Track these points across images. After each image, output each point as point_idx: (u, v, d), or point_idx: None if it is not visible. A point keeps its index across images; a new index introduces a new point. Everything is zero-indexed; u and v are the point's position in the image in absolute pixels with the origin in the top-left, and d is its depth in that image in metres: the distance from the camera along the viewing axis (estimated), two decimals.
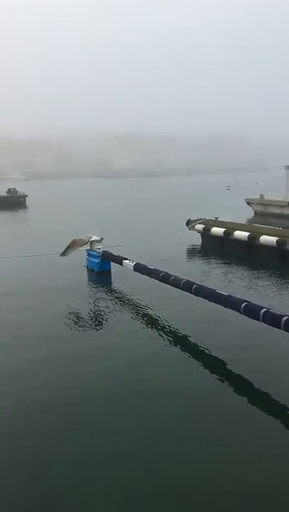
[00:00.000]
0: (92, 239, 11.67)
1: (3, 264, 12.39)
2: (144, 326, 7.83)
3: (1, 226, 25.72)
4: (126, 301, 9.24)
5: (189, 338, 7.07)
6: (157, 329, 7.60)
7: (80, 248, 11.62)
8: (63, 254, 11.30)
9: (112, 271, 11.40)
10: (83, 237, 11.72)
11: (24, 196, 39.53)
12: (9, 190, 40.21)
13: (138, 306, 8.83)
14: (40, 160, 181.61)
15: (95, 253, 11.68)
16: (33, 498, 3.76)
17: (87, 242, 11.65)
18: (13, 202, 37.43)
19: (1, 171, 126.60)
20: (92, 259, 11.84)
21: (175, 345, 6.91)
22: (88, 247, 11.82)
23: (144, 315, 8.33)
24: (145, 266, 9.84)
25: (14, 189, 40.50)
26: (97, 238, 11.74)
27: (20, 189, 41.59)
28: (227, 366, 6.05)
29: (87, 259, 12.10)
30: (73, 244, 11.36)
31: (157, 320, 8.02)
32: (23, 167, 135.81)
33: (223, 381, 5.72)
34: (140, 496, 3.75)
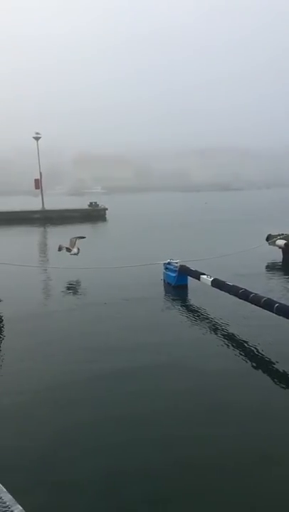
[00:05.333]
0: (72, 252, 14.05)
1: (86, 275, 12.95)
2: (221, 344, 7.65)
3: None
4: (202, 317, 9.14)
5: (273, 364, 6.72)
6: (235, 349, 7.37)
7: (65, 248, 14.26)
8: (60, 247, 14.32)
9: (189, 285, 11.38)
10: (65, 245, 14.45)
11: (104, 209, 41.12)
12: (91, 203, 42.16)
13: (215, 323, 8.68)
14: (120, 174, 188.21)
15: (172, 267, 11.77)
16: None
17: (69, 251, 14.13)
18: (95, 215, 39.14)
19: (83, 185, 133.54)
20: (169, 273, 11.93)
21: (255, 369, 6.63)
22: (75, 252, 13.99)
23: (222, 333, 8.15)
24: (224, 282, 9.67)
25: (95, 202, 42.37)
26: (75, 251, 14.01)
27: (101, 202, 43.37)
28: None
29: (164, 272, 12.22)
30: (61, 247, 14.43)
31: (235, 339, 7.80)
32: (104, 181, 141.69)
33: None
34: None
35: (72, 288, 12.28)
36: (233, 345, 7.49)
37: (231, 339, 7.78)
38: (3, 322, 9.10)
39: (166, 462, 4.39)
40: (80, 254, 13.95)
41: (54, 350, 7.43)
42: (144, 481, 4.12)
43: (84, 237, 14.70)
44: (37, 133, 38.78)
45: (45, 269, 14.81)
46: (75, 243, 14.18)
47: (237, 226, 26.98)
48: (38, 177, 39.17)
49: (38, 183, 39.37)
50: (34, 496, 3.74)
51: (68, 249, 14.27)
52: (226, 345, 7.52)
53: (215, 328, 8.40)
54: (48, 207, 39.54)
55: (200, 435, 4.83)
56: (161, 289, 11.75)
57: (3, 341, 7.98)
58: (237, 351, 7.24)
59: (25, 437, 4.84)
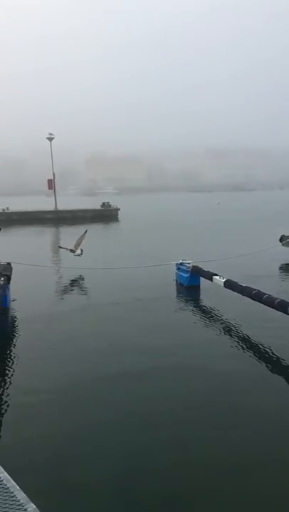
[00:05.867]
0: (75, 253, 14.32)
1: (98, 275, 13.00)
2: (234, 345, 7.59)
3: (96, 238, 27.07)
4: (215, 318, 9.09)
5: (287, 367, 6.66)
6: (249, 351, 7.31)
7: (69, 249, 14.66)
8: (60, 247, 15.05)
9: (201, 286, 11.34)
10: (68, 247, 14.92)
11: (117, 210, 41.24)
12: (103, 203, 42.33)
13: (228, 325, 8.63)
14: (131, 175, 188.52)
15: (184, 268, 11.74)
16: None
17: (73, 252, 14.38)
18: (107, 215, 39.28)
19: (96, 185, 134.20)
20: (181, 273, 11.90)
21: (269, 371, 6.55)
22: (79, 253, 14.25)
23: (235, 334, 8.09)
24: (236, 283, 9.61)
25: (108, 203, 42.53)
26: (78, 252, 14.22)
27: (113, 203, 43.49)
28: None
29: (176, 273, 12.20)
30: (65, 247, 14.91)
31: (248, 341, 7.73)
32: (116, 182, 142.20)
33: None
34: None
35: (85, 288, 12.34)
36: (246, 347, 7.43)
37: (244, 341, 7.72)
38: (17, 321, 9.19)
39: (178, 463, 4.38)
40: (83, 255, 14.07)
41: (66, 350, 7.47)
42: (155, 481, 4.12)
43: (86, 231, 14.87)
44: (50, 133, 39.05)
45: (58, 269, 14.91)
46: (80, 244, 14.34)
47: (250, 227, 26.80)
48: (51, 177, 39.45)
49: (51, 184, 39.65)
50: (47, 494, 3.76)
51: (72, 251, 14.39)
52: (239, 347, 7.47)
53: (228, 330, 8.35)
54: (60, 207, 39.82)
55: (212, 437, 4.80)
56: (174, 289, 11.72)
57: (16, 341, 8.05)
58: (250, 353, 7.18)
59: (38, 436, 4.87)
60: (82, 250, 14.23)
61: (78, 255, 14.14)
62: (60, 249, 14.78)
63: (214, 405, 5.49)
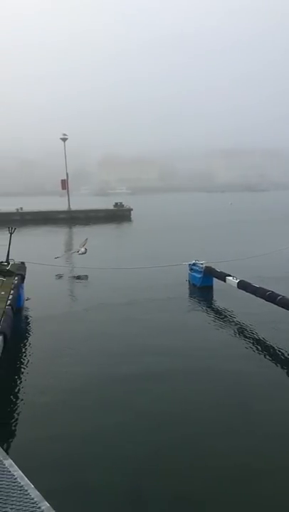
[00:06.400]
0: (79, 252, 14.72)
1: (111, 275, 13.03)
2: (248, 347, 7.52)
3: (108, 238, 27.17)
4: (228, 319, 9.03)
5: None
6: (263, 353, 7.24)
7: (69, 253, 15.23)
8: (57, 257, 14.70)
9: (214, 287, 11.28)
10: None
11: (129, 210, 41.29)
12: (116, 203, 42.43)
13: (241, 326, 8.56)
14: (144, 175, 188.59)
15: (197, 268, 11.69)
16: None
17: (77, 251, 14.88)
18: (120, 215, 39.36)
19: (108, 185, 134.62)
20: (194, 274, 11.85)
21: (285, 375, 6.47)
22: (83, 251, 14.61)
23: (249, 336, 8.02)
24: (250, 283, 9.53)
25: (121, 203, 42.60)
26: (82, 250, 14.63)
27: (126, 203, 43.56)
28: None
29: (189, 273, 12.15)
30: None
31: (263, 342, 7.65)
32: (129, 182, 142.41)
33: None
34: None
35: (97, 288, 12.37)
36: (260, 349, 7.35)
37: (258, 343, 7.65)
38: (31, 320, 9.26)
39: (190, 465, 4.36)
40: (90, 254, 14.49)
41: (80, 350, 7.47)
42: (167, 482, 4.10)
43: (86, 239, 15.37)
44: (64, 134, 39.30)
45: (71, 269, 14.98)
46: (84, 244, 14.95)
47: (263, 227, 26.58)
48: (65, 178, 39.70)
49: (64, 184, 39.91)
50: (60, 492, 3.77)
51: (77, 250, 15.05)
52: (252, 349, 7.40)
53: (242, 331, 8.28)
54: (73, 207, 40.03)
55: (225, 440, 4.76)
56: (186, 290, 11.68)
57: (31, 340, 8.10)
58: (264, 355, 7.11)
59: (51, 436, 4.89)
60: (86, 249, 14.81)
61: (83, 253, 14.75)
62: (58, 257, 14.89)
63: (227, 408, 5.44)
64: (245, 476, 4.18)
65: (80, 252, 14.79)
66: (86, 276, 13.38)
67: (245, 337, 7.96)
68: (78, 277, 13.68)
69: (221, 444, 4.69)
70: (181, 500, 3.89)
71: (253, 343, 7.62)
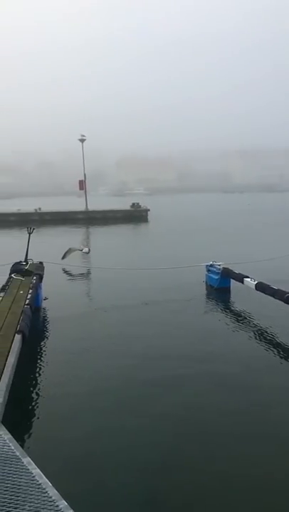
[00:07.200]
0: (83, 250, 15.52)
1: (128, 276, 13.05)
2: (267, 351, 7.44)
3: (126, 239, 27.24)
4: (247, 322, 8.94)
5: None
6: (281, 356, 7.15)
7: (74, 253, 15.20)
8: (64, 257, 14.59)
9: (231, 288, 11.19)
10: (76, 247, 15.73)
11: (146, 210, 41.26)
12: (133, 204, 42.45)
13: (260, 329, 8.46)
14: (162, 176, 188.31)
15: (215, 269, 11.62)
16: None
17: (81, 250, 15.56)
18: (137, 216, 39.41)
19: (126, 186, 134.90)
20: (211, 275, 11.78)
21: None
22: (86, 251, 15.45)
23: (269, 340, 7.93)
24: (268, 285, 9.41)
25: (138, 203, 42.61)
26: (86, 250, 15.42)
27: (143, 203, 43.57)
28: None
29: (206, 274, 12.08)
30: (70, 251, 15.05)
31: (283, 346, 7.56)
32: (146, 183, 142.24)
33: None
34: None
35: (114, 288, 12.40)
36: (279, 353, 7.25)
37: (277, 346, 7.55)
38: (49, 320, 9.35)
39: (208, 471, 4.33)
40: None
41: (97, 352, 7.43)
42: (184, 486, 4.09)
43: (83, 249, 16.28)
44: (82, 135, 39.59)
45: (88, 269, 15.09)
46: (86, 245, 16.03)
47: (282, 228, 26.20)
48: (83, 178, 39.99)
49: (82, 184, 40.21)
50: (78, 492, 3.79)
51: (80, 249, 15.81)
52: (271, 352, 7.31)
53: (260, 333, 8.18)
54: (91, 207, 40.29)
55: (243, 449, 4.66)
56: (203, 291, 11.62)
57: (49, 340, 8.16)
58: (283, 359, 7.01)
59: (70, 436, 4.92)
60: (89, 249, 15.75)
61: (86, 252, 15.59)
62: (66, 256, 15.00)
63: (248, 418, 5.32)
64: (262, 485, 4.13)
65: (83, 251, 15.49)
66: (111, 278, 13.37)
67: (264, 341, 7.85)
68: (91, 277, 13.79)
69: (241, 453, 4.61)
70: (198, 505, 3.87)
71: (271, 347, 7.52)
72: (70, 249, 15.39)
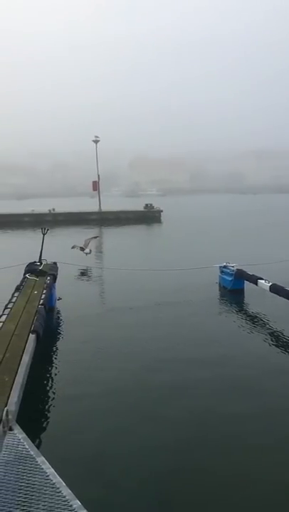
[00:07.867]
0: (85, 251, 15.58)
1: (141, 276, 13.06)
2: (280, 354, 7.35)
3: (139, 240, 27.27)
4: (260, 324, 8.85)
5: None
6: None
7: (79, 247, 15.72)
8: (73, 247, 15.59)
9: (245, 290, 11.10)
10: (79, 245, 15.84)
11: (159, 211, 41.24)
12: (146, 205, 42.47)
13: (274, 331, 8.36)
14: (175, 177, 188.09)
15: (228, 271, 11.54)
16: None
17: (83, 250, 15.57)
18: (150, 217, 39.40)
19: (139, 187, 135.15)
20: (225, 276, 11.70)
21: None
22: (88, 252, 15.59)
23: (282, 342, 7.83)
24: (283, 287, 9.31)
25: (151, 204, 42.61)
26: (88, 250, 15.60)
27: (156, 204, 43.54)
28: None
29: (219, 276, 12.00)
30: (75, 247, 15.71)
31: None
32: (160, 184, 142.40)
33: None
34: None
35: (128, 289, 12.41)
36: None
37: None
38: (63, 320, 9.40)
39: (222, 476, 4.30)
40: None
41: (110, 354, 7.37)
42: (198, 492, 4.06)
43: (97, 237, 16.04)
44: (96, 136, 39.81)
45: (101, 269, 15.14)
46: (88, 244, 15.73)
47: None
48: (96, 179, 40.18)
49: (95, 185, 40.41)
50: (92, 493, 3.79)
51: (82, 249, 15.60)
52: (287, 356, 7.21)
53: (276, 336, 8.07)
54: (104, 208, 40.44)
55: (256, 459, 4.54)
56: (217, 292, 11.55)
57: (63, 341, 8.18)
58: None
59: (84, 437, 4.93)
60: (90, 250, 15.71)
61: (88, 253, 15.55)
62: (74, 247, 15.67)
63: (258, 420, 5.23)
64: (275, 491, 4.08)
65: (85, 252, 15.47)
66: (125, 278, 13.39)
67: (279, 343, 7.75)
68: (104, 277, 13.81)
69: (254, 458, 4.54)
70: (209, 509, 3.84)
71: (288, 350, 7.43)
72: (74, 246, 15.88)
